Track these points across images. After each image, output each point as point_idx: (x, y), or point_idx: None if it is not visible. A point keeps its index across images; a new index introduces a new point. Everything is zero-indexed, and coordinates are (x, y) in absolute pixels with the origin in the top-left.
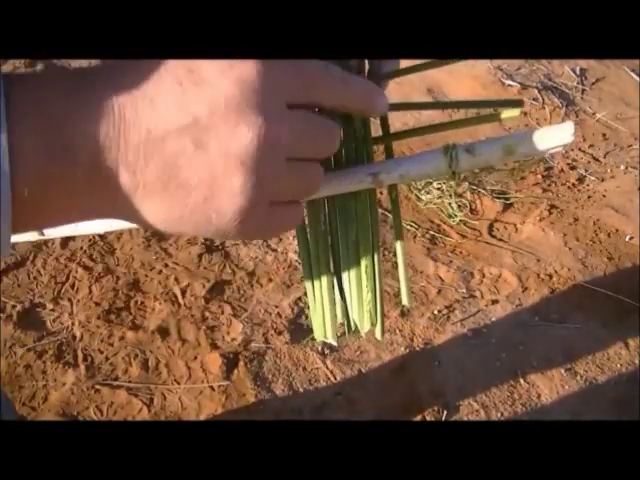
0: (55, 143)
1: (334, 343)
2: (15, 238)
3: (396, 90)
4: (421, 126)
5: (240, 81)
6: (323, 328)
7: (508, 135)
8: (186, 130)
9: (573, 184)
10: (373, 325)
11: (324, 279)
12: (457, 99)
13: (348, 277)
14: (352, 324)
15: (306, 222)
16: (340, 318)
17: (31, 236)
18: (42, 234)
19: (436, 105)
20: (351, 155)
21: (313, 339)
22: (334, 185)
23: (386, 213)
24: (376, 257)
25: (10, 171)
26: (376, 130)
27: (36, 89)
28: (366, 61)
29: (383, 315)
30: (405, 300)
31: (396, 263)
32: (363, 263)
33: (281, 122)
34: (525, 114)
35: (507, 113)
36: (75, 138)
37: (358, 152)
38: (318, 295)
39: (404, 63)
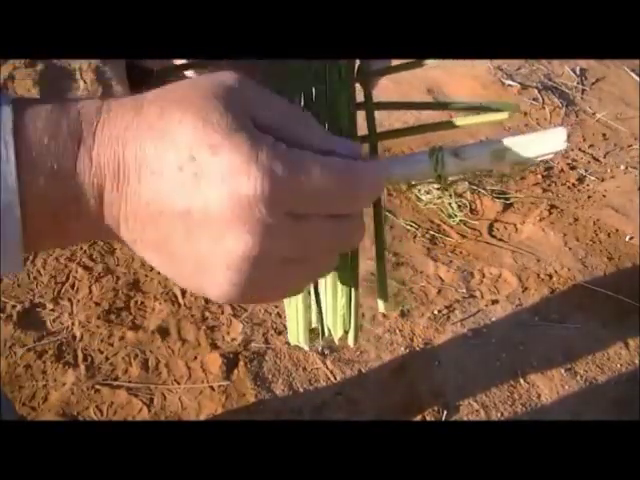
0: (61, 191)
1: (306, 348)
2: None
3: (395, 90)
4: (409, 126)
5: (238, 196)
6: (297, 333)
7: (498, 140)
8: (180, 217)
9: (573, 184)
10: (346, 332)
11: None
12: (457, 99)
13: (324, 282)
14: (326, 330)
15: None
16: (315, 323)
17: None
18: None
19: (423, 106)
20: None
21: (313, 340)
22: None
23: (385, 213)
24: (353, 262)
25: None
26: (363, 130)
27: (42, 130)
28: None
29: (357, 322)
30: (381, 306)
31: (396, 263)
32: (340, 268)
33: (273, 237)
34: (525, 114)
35: (499, 116)
36: (82, 188)
37: None
38: (293, 300)
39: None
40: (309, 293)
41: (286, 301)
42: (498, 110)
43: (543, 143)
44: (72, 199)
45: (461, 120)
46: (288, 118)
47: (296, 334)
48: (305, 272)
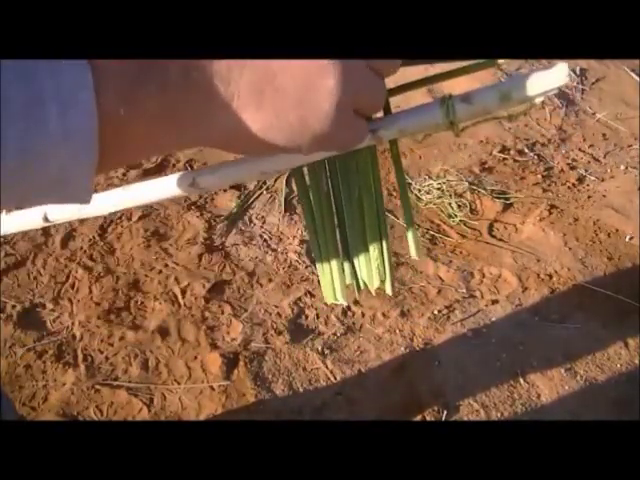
0: (143, 68)
1: (344, 303)
2: (19, 226)
3: None
4: (412, 80)
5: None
6: (332, 290)
7: (503, 82)
8: (272, 62)
9: (573, 184)
10: (382, 281)
11: (330, 241)
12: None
13: (354, 236)
14: (361, 283)
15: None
16: (349, 279)
17: (36, 223)
18: (47, 220)
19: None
20: None
21: (313, 339)
22: None
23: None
24: (380, 214)
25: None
26: None
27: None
28: None
29: (392, 270)
30: (414, 252)
31: (396, 263)
32: (367, 220)
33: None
34: (525, 114)
35: (487, 63)
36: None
37: None
38: (325, 258)
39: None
40: (340, 249)
41: (318, 261)
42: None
43: (546, 79)
44: (155, 71)
45: (459, 71)
46: None
47: (332, 292)
48: (376, 85)
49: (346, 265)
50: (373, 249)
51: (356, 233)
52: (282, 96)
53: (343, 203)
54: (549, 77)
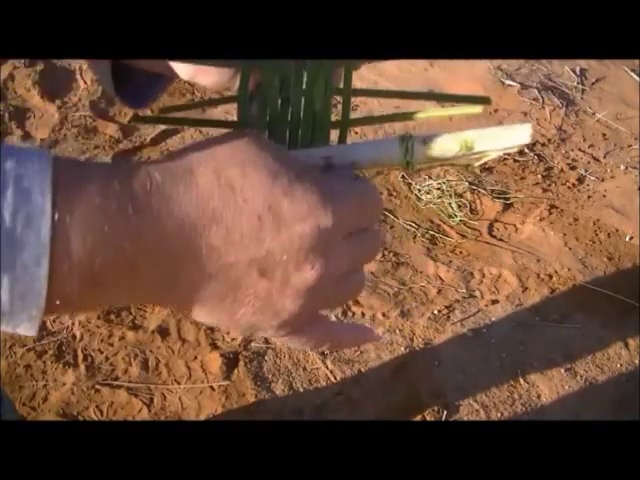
0: (115, 253)
1: None
2: None
3: None
4: (380, 115)
5: (316, 227)
6: None
7: (466, 131)
8: (255, 262)
9: (573, 184)
10: None
11: None
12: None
13: None
14: None
15: None
16: None
17: None
18: None
19: (397, 94)
20: (307, 137)
21: None
22: None
23: (385, 213)
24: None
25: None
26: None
27: (91, 194)
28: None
29: None
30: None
31: (396, 263)
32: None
33: (342, 254)
34: (525, 114)
35: (472, 109)
36: (143, 249)
37: (315, 135)
38: None
39: (405, 65)
40: None
41: None
42: (474, 101)
43: (510, 136)
44: (124, 263)
45: (434, 111)
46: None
47: None
48: (351, 284)
49: None
50: None
51: None
52: (238, 307)
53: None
54: (513, 134)
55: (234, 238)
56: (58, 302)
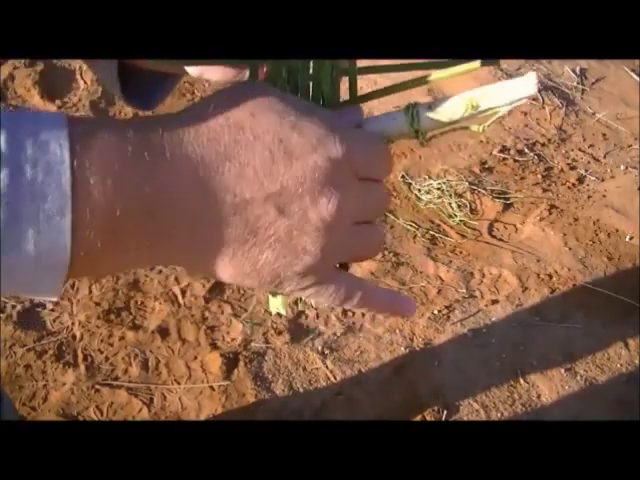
0: (134, 198)
1: (284, 313)
2: None
3: None
4: (387, 86)
5: (327, 159)
6: (276, 300)
7: (470, 91)
8: (271, 197)
9: (573, 184)
10: None
11: None
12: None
13: None
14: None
15: None
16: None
17: None
18: None
19: (401, 67)
20: None
21: (313, 339)
22: None
23: (385, 213)
24: None
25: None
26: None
27: (107, 147)
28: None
29: None
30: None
31: (396, 263)
32: None
33: (354, 195)
34: (525, 114)
35: (471, 65)
36: (161, 191)
37: None
38: None
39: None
40: None
41: None
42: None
43: (515, 88)
44: (143, 210)
45: (437, 73)
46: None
47: (275, 301)
48: (368, 237)
49: None
50: None
51: None
52: (259, 252)
53: None
54: (518, 86)
55: (248, 174)
56: (82, 253)
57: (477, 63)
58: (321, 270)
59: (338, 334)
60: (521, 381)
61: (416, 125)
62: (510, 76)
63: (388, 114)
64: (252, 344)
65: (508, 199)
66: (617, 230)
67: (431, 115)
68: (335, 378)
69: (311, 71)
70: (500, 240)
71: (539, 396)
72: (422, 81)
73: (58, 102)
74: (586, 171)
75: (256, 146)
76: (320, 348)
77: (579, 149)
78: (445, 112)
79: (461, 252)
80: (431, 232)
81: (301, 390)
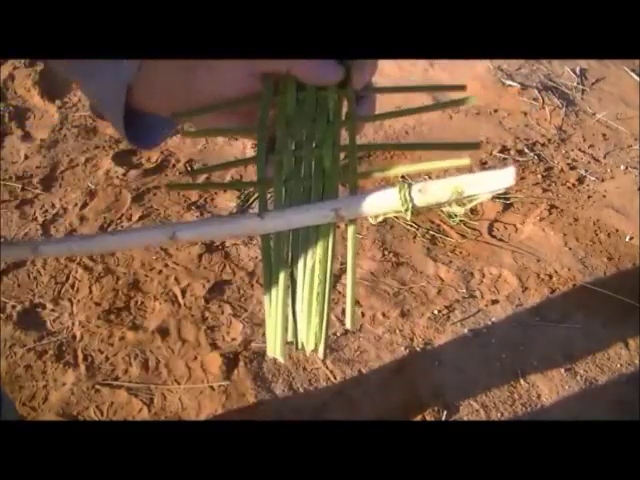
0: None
1: (282, 360)
2: (8, 254)
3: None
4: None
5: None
6: (274, 346)
7: (456, 178)
8: None
9: (573, 184)
10: (316, 345)
11: (281, 300)
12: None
13: (301, 301)
14: (300, 343)
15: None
16: (290, 337)
17: (26, 253)
18: (36, 251)
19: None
20: (318, 191)
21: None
22: (301, 217)
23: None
24: (327, 286)
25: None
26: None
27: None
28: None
29: (327, 338)
30: (349, 324)
31: (396, 263)
32: (315, 290)
33: None
34: (525, 114)
35: (460, 162)
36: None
37: (325, 189)
38: (274, 314)
39: (405, 65)
40: (288, 309)
41: (267, 317)
42: (465, 147)
43: (496, 180)
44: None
45: (425, 164)
46: None
47: (274, 347)
48: None
49: (290, 324)
50: (315, 316)
51: (304, 298)
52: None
53: (298, 270)
54: (498, 178)
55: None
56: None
57: (467, 160)
58: None
59: (338, 334)
60: (521, 381)
61: (407, 206)
62: (510, 76)
63: (381, 193)
64: (252, 344)
65: (508, 199)
66: (617, 230)
67: (421, 197)
68: (335, 378)
69: (314, 144)
70: (500, 240)
71: (539, 396)
72: (403, 169)
73: (58, 102)
74: (586, 171)
75: None
76: None
77: (579, 149)
78: (434, 196)
79: (461, 252)
80: (431, 232)
81: (301, 390)
